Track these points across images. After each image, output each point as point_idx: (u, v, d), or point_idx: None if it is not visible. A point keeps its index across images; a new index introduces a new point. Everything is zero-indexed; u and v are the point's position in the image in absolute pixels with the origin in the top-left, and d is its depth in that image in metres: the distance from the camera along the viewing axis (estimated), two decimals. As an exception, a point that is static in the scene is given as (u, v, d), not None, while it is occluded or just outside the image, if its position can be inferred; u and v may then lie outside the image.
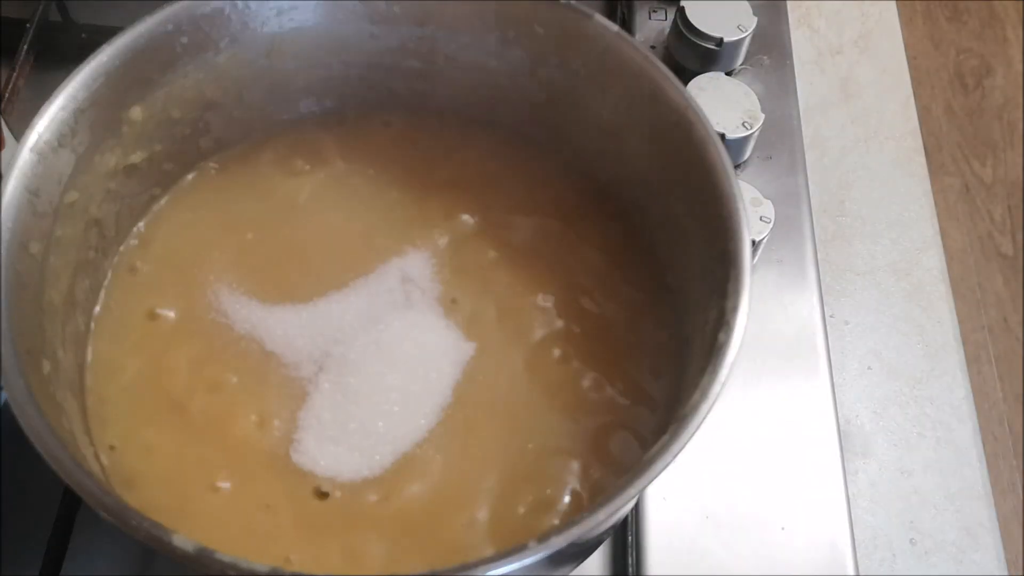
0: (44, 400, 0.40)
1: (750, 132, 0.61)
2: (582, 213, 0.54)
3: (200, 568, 0.36)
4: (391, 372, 0.48)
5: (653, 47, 0.68)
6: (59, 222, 0.46)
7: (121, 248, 0.52)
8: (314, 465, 0.46)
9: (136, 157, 0.50)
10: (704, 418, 0.39)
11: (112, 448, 0.47)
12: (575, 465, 0.47)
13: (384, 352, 0.49)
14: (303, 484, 0.46)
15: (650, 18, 0.69)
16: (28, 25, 0.65)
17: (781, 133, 0.65)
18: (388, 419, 0.47)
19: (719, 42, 0.65)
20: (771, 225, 0.58)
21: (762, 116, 0.62)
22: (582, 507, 0.46)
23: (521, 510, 0.46)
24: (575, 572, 0.51)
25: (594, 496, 0.46)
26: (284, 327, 0.50)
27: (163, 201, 0.53)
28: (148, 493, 0.45)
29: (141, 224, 0.53)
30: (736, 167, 0.63)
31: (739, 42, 0.65)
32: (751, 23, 0.65)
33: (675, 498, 0.53)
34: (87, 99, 0.46)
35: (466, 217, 0.54)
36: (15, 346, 0.40)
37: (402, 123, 0.56)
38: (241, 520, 0.45)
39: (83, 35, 0.67)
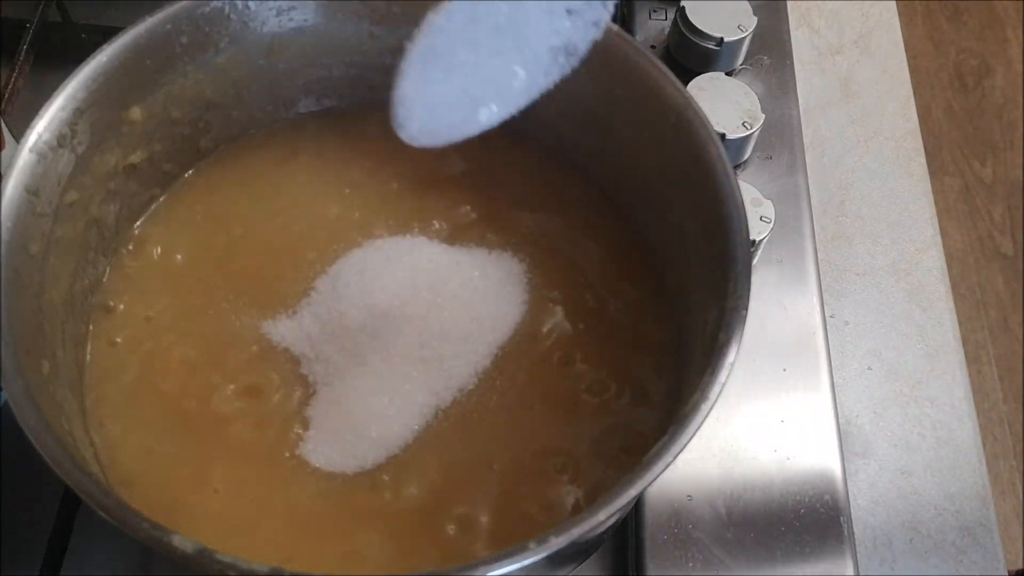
0: (44, 400, 0.40)
1: (750, 132, 0.61)
2: (583, 211, 0.54)
3: (200, 568, 0.36)
4: (389, 371, 0.48)
5: (653, 47, 0.68)
6: (59, 222, 0.46)
7: (121, 248, 0.52)
8: (312, 466, 0.46)
9: (136, 157, 0.50)
10: (704, 418, 0.39)
11: (111, 448, 0.47)
12: (575, 465, 0.47)
13: (382, 349, 0.49)
14: (301, 484, 0.46)
15: (650, 18, 0.69)
16: (28, 25, 0.65)
17: (781, 133, 0.65)
18: (385, 420, 0.47)
19: (719, 42, 0.65)
20: (771, 225, 0.58)
21: (762, 116, 0.62)
22: (581, 507, 0.46)
23: (521, 511, 0.46)
24: (575, 572, 0.51)
25: (594, 497, 0.46)
26: (281, 327, 0.50)
27: (161, 200, 0.54)
28: (147, 493, 0.45)
29: (140, 224, 0.53)
30: (736, 167, 0.63)
31: (739, 42, 0.65)
32: (751, 23, 0.65)
33: (675, 498, 0.53)
34: (87, 99, 0.46)
35: (466, 209, 0.54)
36: (15, 346, 0.40)
37: (402, 123, 0.56)
38: (239, 519, 0.45)
39: (83, 35, 0.67)
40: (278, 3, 0.50)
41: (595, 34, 0.42)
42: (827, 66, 0.73)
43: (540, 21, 0.41)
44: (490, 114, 0.43)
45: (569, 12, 0.41)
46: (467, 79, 0.41)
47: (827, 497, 0.53)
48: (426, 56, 0.40)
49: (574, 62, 0.43)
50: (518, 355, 0.50)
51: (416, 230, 0.53)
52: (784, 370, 0.57)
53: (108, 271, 0.51)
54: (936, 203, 0.69)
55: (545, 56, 0.42)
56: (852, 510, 0.54)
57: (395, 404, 0.48)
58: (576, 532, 0.37)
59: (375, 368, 0.48)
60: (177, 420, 0.47)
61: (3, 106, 0.62)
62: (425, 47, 0.40)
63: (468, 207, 0.54)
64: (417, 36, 0.40)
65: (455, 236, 0.53)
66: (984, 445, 0.60)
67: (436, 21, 0.39)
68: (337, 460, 0.46)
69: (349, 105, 0.56)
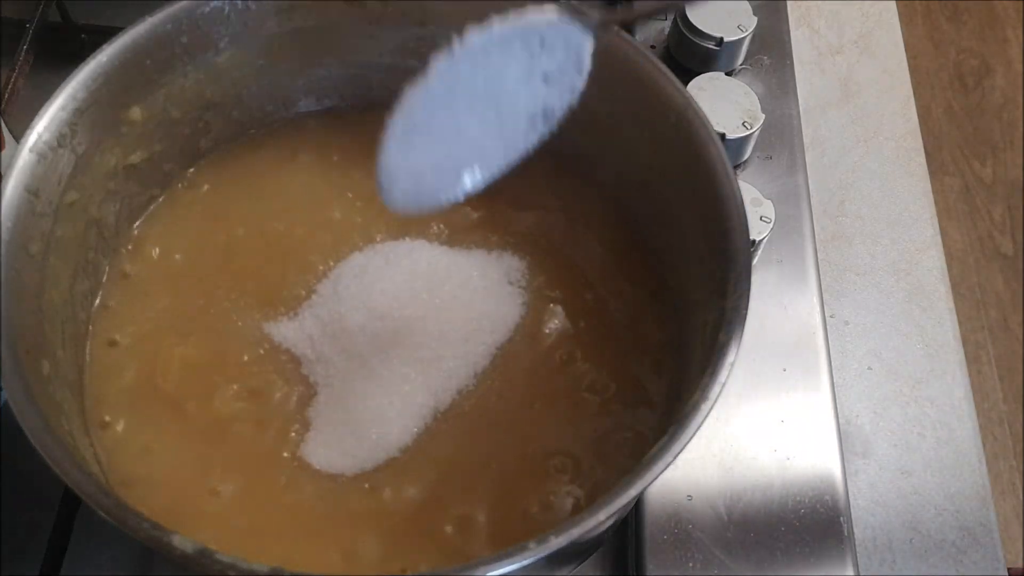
0: (44, 400, 0.40)
1: (750, 132, 0.61)
2: (583, 210, 0.54)
3: (200, 568, 0.36)
4: (389, 372, 0.48)
5: (653, 47, 0.68)
6: (59, 222, 0.46)
7: (120, 249, 0.52)
8: (312, 467, 0.46)
9: (136, 157, 0.50)
10: (704, 418, 0.39)
11: (111, 448, 0.47)
12: (575, 465, 0.47)
13: (382, 350, 0.49)
14: (301, 484, 0.46)
15: (650, 18, 0.69)
16: (28, 25, 0.65)
17: (781, 133, 0.65)
18: (385, 421, 0.47)
19: (719, 42, 0.65)
20: (771, 225, 0.58)
21: (762, 116, 0.62)
22: (581, 507, 0.46)
23: (521, 511, 0.46)
24: (575, 572, 0.51)
25: (594, 496, 0.46)
26: (282, 328, 0.50)
27: (161, 200, 0.53)
28: (147, 493, 0.45)
29: (139, 224, 0.53)
30: (736, 167, 0.63)
31: (739, 42, 0.65)
32: (751, 23, 0.65)
33: (676, 498, 0.53)
34: (87, 99, 0.46)
35: (467, 210, 0.54)
36: (15, 346, 0.40)
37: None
38: (239, 520, 0.45)
39: (83, 35, 0.67)
40: (278, 3, 0.50)
41: (571, 99, 0.44)
42: (827, 66, 0.73)
43: (518, 89, 0.42)
44: (473, 180, 0.44)
45: (546, 79, 0.42)
46: (448, 146, 0.43)
47: (827, 497, 0.53)
48: (407, 127, 0.41)
49: (552, 125, 0.44)
50: (518, 355, 0.50)
51: (416, 232, 0.53)
52: (784, 370, 0.57)
53: (108, 271, 0.51)
54: (936, 203, 0.69)
55: (524, 121, 0.43)
56: (852, 510, 0.54)
57: (395, 405, 0.48)
58: (576, 532, 0.37)
59: (375, 369, 0.48)
60: (177, 420, 0.47)
61: (3, 106, 0.62)
62: (406, 118, 0.41)
63: (468, 208, 0.54)
64: (397, 108, 0.41)
65: (455, 237, 0.53)
66: (984, 445, 0.60)
67: (415, 93, 0.40)
68: (337, 461, 0.46)
69: (349, 105, 0.56)
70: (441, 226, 0.53)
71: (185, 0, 0.48)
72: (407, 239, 0.53)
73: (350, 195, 0.54)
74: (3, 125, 0.56)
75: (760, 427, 0.55)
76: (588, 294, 0.52)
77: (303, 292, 0.51)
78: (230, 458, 0.47)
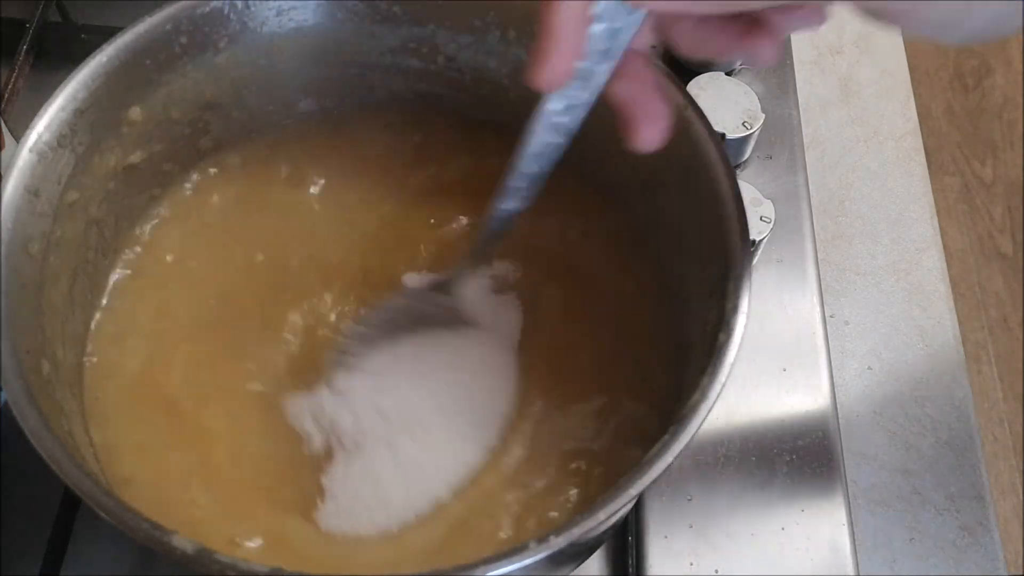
0: (44, 400, 0.40)
1: (750, 132, 0.61)
2: (582, 211, 0.54)
3: (199, 568, 0.36)
4: (390, 375, 0.48)
5: (653, 47, 0.68)
6: (59, 222, 0.46)
7: (120, 248, 0.52)
8: (312, 465, 0.46)
9: (136, 157, 0.50)
10: (704, 418, 0.39)
11: (110, 448, 0.47)
12: (575, 466, 0.47)
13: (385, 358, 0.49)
14: (301, 482, 0.46)
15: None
16: (28, 25, 0.65)
17: (781, 133, 0.65)
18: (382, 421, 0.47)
19: (719, 42, 0.64)
20: (771, 225, 0.58)
21: (762, 116, 0.62)
22: (581, 508, 0.46)
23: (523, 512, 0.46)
24: (575, 572, 0.51)
25: (594, 497, 0.46)
26: (281, 322, 0.50)
27: (163, 204, 0.53)
28: (146, 493, 0.45)
29: (139, 224, 0.53)
30: (736, 167, 0.63)
31: (739, 42, 0.65)
32: (751, 23, 0.65)
33: (676, 498, 0.53)
34: (87, 99, 0.46)
35: (465, 218, 0.54)
36: (15, 346, 0.40)
37: (402, 123, 0.56)
38: (240, 519, 0.45)
39: (83, 35, 0.67)
40: (278, 3, 0.50)
41: None
42: (827, 66, 0.73)
43: None
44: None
45: None
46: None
47: (827, 497, 0.53)
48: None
49: None
50: (517, 357, 0.50)
51: (412, 240, 0.53)
52: (784, 370, 0.57)
53: (108, 271, 0.51)
54: (936, 203, 0.68)
55: None
56: (852, 510, 0.54)
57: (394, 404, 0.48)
58: (576, 532, 0.37)
59: (380, 368, 0.48)
60: (177, 420, 0.47)
61: (3, 106, 0.62)
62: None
63: (467, 216, 0.54)
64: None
65: (456, 238, 0.53)
66: (984, 445, 0.60)
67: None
68: (339, 460, 0.46)
69: (348, 106, 0.56)
70: (441, 225, 0.53)
71: (185, 0, 0.48)
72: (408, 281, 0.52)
73: (349, 195, 0.54)
74: (3, 125, 0.56)
75: (760, 427, 0.55)
76: (587, 295, 0.52)
77: (303, 292, 0.51)
78: (230, 457, 0.47)
